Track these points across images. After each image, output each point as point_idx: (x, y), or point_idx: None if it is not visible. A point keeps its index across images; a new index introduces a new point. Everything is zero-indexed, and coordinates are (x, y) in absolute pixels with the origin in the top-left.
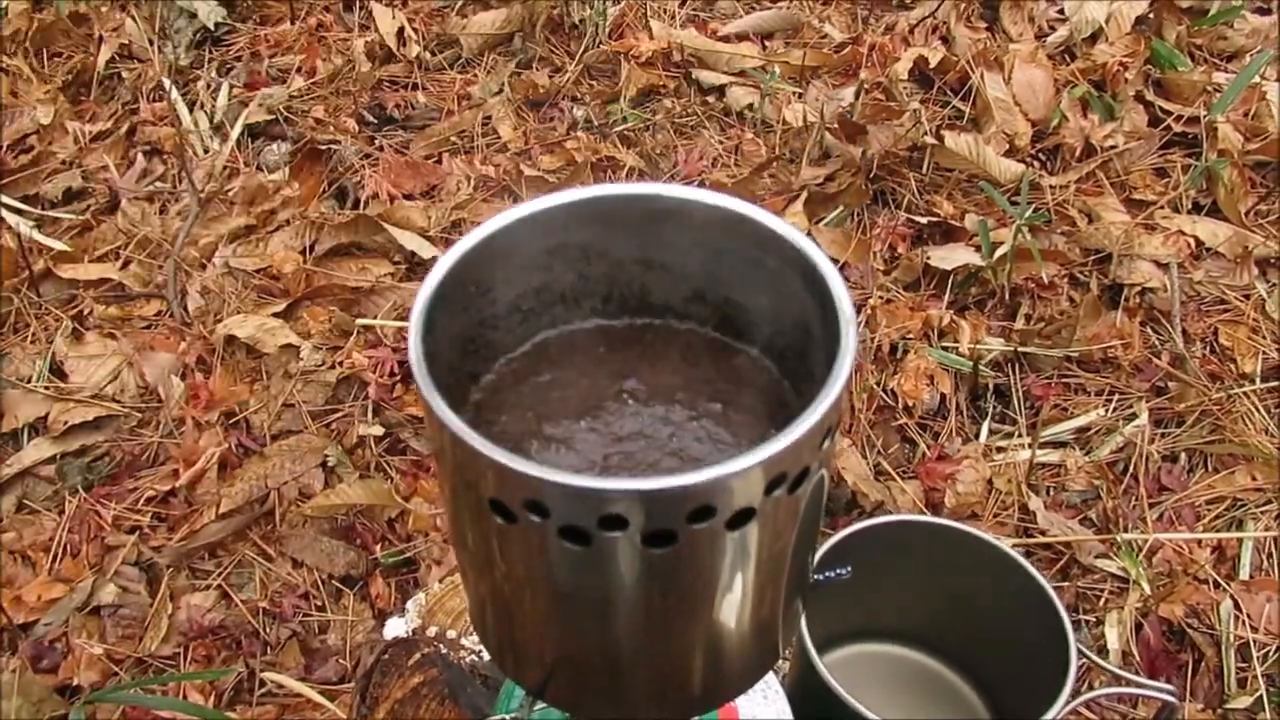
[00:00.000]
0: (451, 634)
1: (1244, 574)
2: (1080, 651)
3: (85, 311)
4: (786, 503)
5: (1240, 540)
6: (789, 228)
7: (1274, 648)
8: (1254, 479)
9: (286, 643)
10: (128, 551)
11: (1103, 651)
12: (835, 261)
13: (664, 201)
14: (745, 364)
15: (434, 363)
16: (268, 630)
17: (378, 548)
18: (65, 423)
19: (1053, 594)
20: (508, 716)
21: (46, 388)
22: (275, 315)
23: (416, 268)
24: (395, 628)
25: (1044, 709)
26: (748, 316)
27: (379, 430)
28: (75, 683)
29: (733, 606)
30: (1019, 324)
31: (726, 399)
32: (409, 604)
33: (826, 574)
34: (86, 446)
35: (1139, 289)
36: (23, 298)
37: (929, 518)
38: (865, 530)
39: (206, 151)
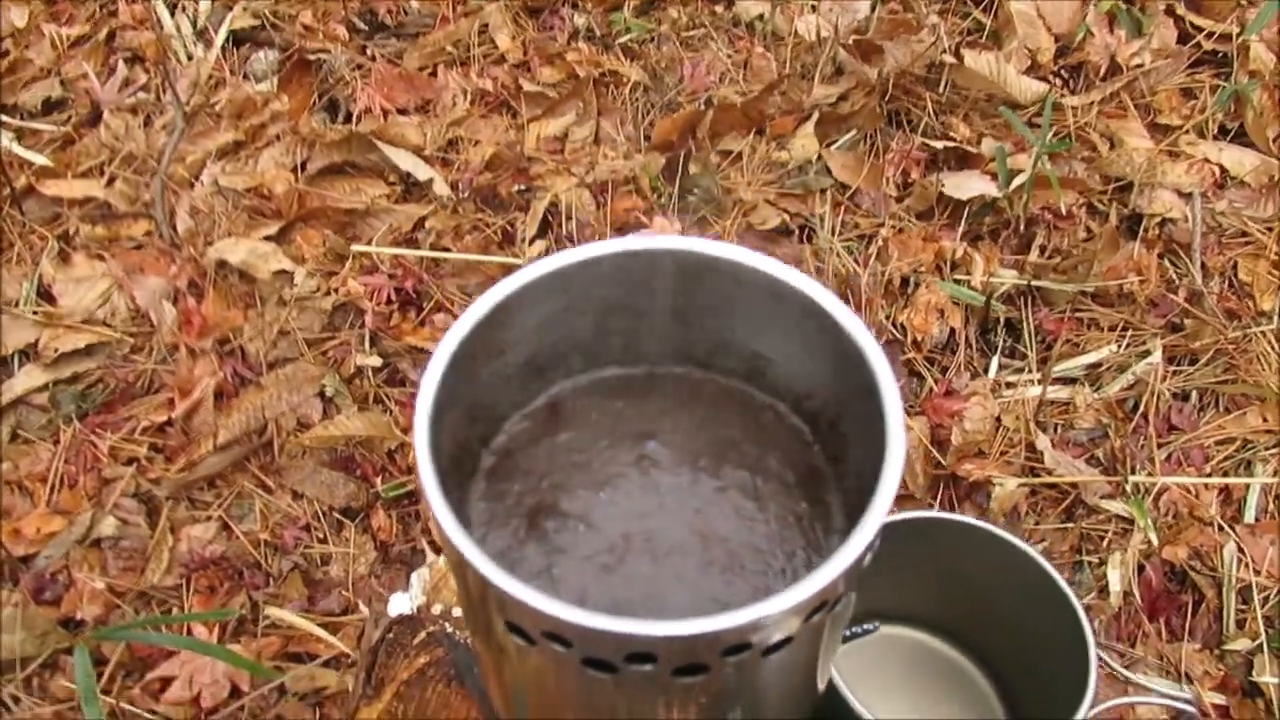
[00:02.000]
0: (457, 612)
1: (1249, 517)
2: (1101, 660)
3: (71, 231)
4: (825, 619)
5: (1247, 484)
6: (840, 305)
7: (1275, 591)
8: (1265, 420)
9: (289, 574)
10: (126, 483)
11: (1104, 592)
12: (846, 188)
13: (697, 259)
14: (772, 421)
15: (440, 454)
16: (269, 562)
17: (378, 480)
18: (56, 350)
19: (1074, 599)
20: None
21: (35, 312)
22: (267, 239)
23: (412, 188)
24: (399, 604)
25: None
26: (777, 374)
27: (377, 361)
28: (79, 616)
29: (767, 708)
30: (1033, 256)
31: (753, 464)
32: (412, 578)
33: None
34: (79, 374)
35: (1159, 219)
36: (5, 216)
37: (954, 515)
38: (884, 527)
39: (190, 59)
